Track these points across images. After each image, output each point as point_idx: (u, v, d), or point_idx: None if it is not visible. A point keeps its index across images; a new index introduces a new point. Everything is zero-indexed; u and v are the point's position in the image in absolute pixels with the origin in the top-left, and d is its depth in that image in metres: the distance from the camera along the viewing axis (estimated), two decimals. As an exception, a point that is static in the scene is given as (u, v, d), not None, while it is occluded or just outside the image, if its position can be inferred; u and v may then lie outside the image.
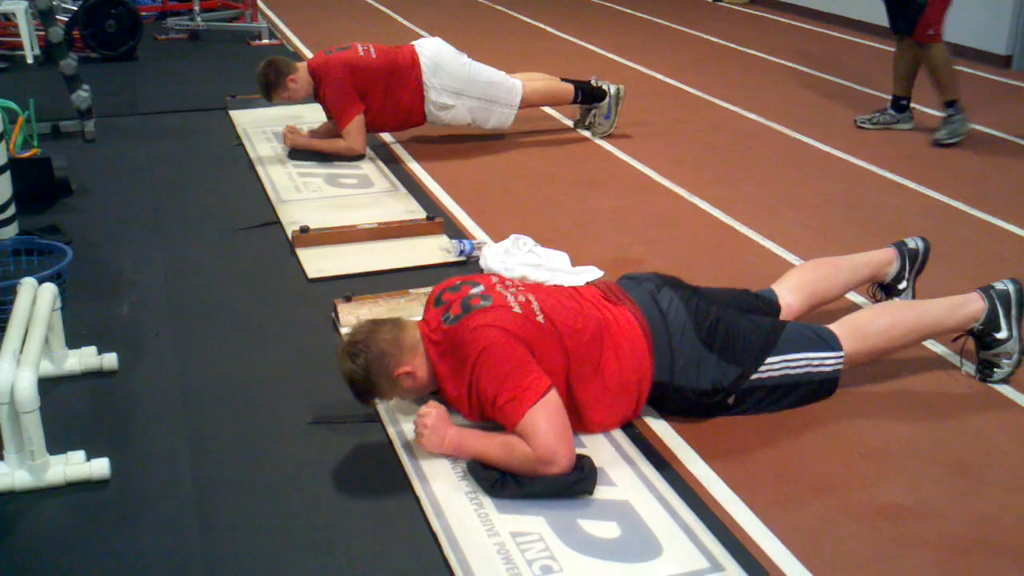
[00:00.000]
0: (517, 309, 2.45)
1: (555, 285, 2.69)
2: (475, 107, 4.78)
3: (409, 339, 2.47)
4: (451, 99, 4.72)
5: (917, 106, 5.28)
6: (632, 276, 2.78)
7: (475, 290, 2.52)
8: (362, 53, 4.63)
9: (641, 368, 2.53)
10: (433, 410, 2.44)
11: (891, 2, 5.04)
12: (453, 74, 4.70)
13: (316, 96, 4.66)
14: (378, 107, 4.63)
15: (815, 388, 2.68)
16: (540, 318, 2.45)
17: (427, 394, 2.57)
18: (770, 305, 2.83)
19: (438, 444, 2.42)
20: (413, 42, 4.81)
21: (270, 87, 4.57)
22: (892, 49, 5.23)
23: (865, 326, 2.73)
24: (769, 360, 2.59)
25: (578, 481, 2.31)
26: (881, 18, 7.51)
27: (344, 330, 3.04)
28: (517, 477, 2.32)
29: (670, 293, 2.65)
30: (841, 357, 2.66)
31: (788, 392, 2.65)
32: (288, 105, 4.91)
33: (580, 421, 2.50)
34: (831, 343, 2.66)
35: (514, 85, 4.83)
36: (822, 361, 2.65)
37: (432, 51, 4.72)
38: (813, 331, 2.69)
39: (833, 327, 2.71)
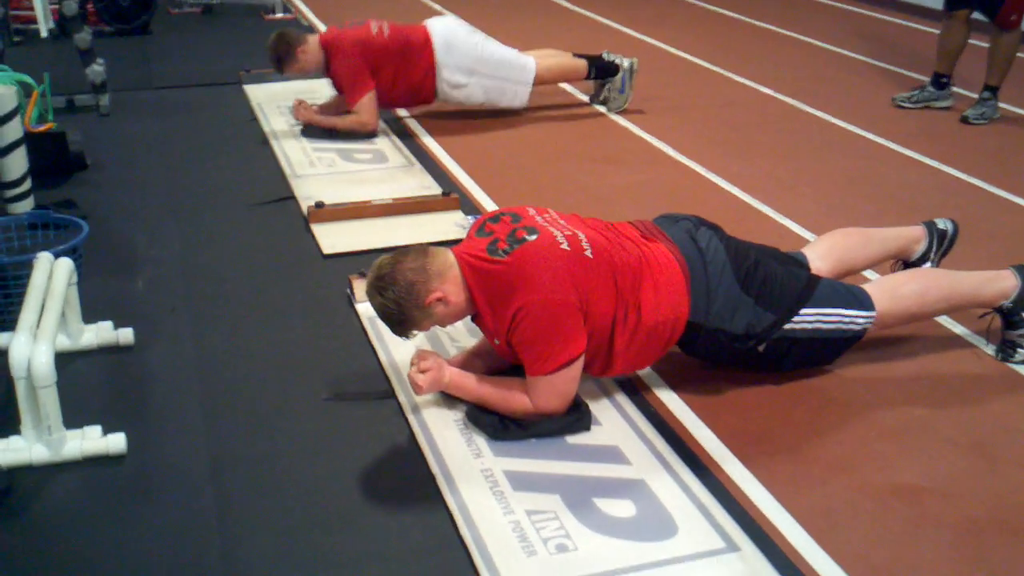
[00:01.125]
0: (565, 245, 2.43)
1: (593, 219, 2.67)
2: (488, 86, 4.76)
3: (437, 264, 2.42)
4: (464, 78, 4.69)
5: (958, 89, 5.21)
6: (669, 215, 2.77)
7: (517, 222, 2.50)
8: (375, 31, 4.60)
9: (678, 306, 2.51)
10: (429, 356, 2.48)
11: None
12: (466, 52, 4.67)
13: (326, 71, 4.64)
14: (389, 85, 4.61)
15: (842, 345, 2.69)
16: (589, 253, 2.44)
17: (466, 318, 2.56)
18: (801, 266, 2.81)
19: (434, 384, 2.47)
20: (426, 21, 4.78)
21: (280, 59, 4.54)
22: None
23: (899, 287, 2.74)
24: (804, 311, 2.59)
25: (577, 420, 2.47)
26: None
27: (360, 307, 3.03)
28: (517, 421, 2.44)
29: (709, 233, 2.65)
30: (872, 316, 2.65)
31: (817, 346, 2.65)
32: (302, 80, 4.88)
33: (609, 363, 2.52)
34: (864, 302, 2.65)
35: (527, 63, 4.80)
36: (853, 319, 2.64)
37: (445, 30, 4.69)
38: (847, 288, 2.69)
39: (867, 287, 2.71)
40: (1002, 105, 5.10)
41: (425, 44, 4.63)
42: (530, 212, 2.57)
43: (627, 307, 2.46)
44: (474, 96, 4.77)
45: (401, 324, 2.44)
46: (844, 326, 2.64)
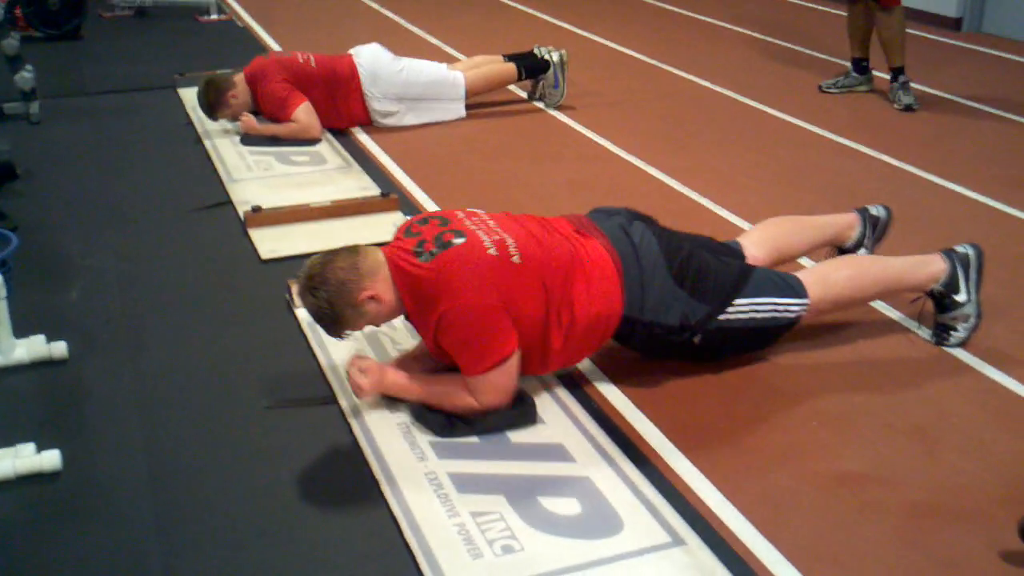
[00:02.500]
0: (492, 250, 2.42)
1: (524, 214, 2.66)
2: (420, 108, 4.76)
3: (368, 263, 2.42)
4: (393, 106, 4.71)
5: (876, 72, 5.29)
6: (603, 209, 2.77)
7: (445, 225, 2.49)
8: (301, 60, 4.61)
9: (611, 301, 2.52)
10: (364, 359, 2.47)
11: None
12: (391, 80, 4.67)
13: (255, 104, 4.59)
14: (322, 112, 4.58)
15: (776, 333, 2.71)
16: (516, 259, 2.43)
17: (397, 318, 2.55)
18: (735, 255, 2.83)
19: (377, 384, 2.45)
20: (351, 50, 4.76)
21: (211, 106, 4.54)
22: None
23: (830, 274, 2.76)
24: (738, 301, 2.60)
25: (522, 414, 2.47)
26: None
27: (299, 311, 3.00)
28: (464, 418, 2.44)
29: (642, 227, 2.65)
30: (806, 304, 2.67)
31: (752, 336, 2.67)
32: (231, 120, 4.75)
33: (545, 361, 2.52)
34: (797, 290, 2.67)
35: (455, 79, 4.80)
36: (787, 307, 2.66)
37: (369, 60, 4.68)
38: (781, 277, 2.71)
39: (800, 275, 2.73)
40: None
41: (352, 75, 4.63)
42: (459, 216, 2.56)
43: (559, 306, 2.46)
44: (406, 121, 4.76)
45: (334, 324, 2.43)
46: (778, 314, 2.66)
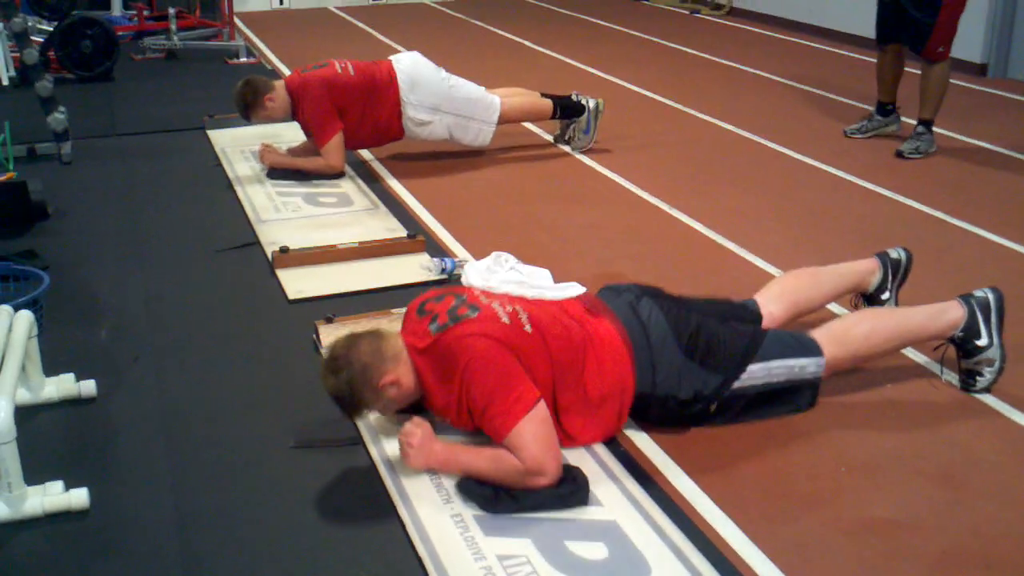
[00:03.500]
0: (505, 319, 2.44)
1: (538, 300, 2.68)
2: (453, 123, 4.77)
3: (391, 348, 2.45)
4: (428, 115, 4.70)
5: (906, 119, 5.29)
6: (612, 287, 2.78)
7: (459, 300, 2.51)
8: (339, 70, 4.61)
9: (623, 380, 2.52)
10: (418, 428, 2.42)
11: (889, 14, 4.95)
12: (431, 90, 4.68)
13: (294, 115, 4.63)
14: (356, 123, 4.61)
15: (797, 395, 2.69)
16: (528, 328, 2.45)
17: (413, 402, 2.54)
18: (752, 314, 2.82)
19: (425, 460, 2.41)
20: (390, 57, 4.79)
21: (248, 107, 4.53)
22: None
23: (846, 332, 2.74)
24: (751, 368, 2.59)
25: (572, 493, 2.34)
26: (858, 28, 7.61)
27: (326, 352, 3.01)
28: (511, 491, 2.32)
29: (650, 303, 2.65)
30: (822, 363, 2.66)
31: (770, 399, 2.65)
32: (267, 124, 4.87)
33: (564, 434, 2.50)
34: (812, 349, 2.66)
35: (493, 101, 4.82)
36: (803, 368, 2.65)
37: (409, 67, 4.70)
38: (794, 338, 2.70)
39: (814, 333, 2.72)
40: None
41: (390, 81, 4.64)
42: (475, 292, 2.58)
43: (565, 375, 2.46)
44: (437, 133, 4.78)
45: (353, 405, 2.44)
46: (795, 376, 2.65)
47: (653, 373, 2.54)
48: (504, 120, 4.86)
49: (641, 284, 2.77)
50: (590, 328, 2.55)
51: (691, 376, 2.56)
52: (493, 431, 2.34)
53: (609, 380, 2.51)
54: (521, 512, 2.30)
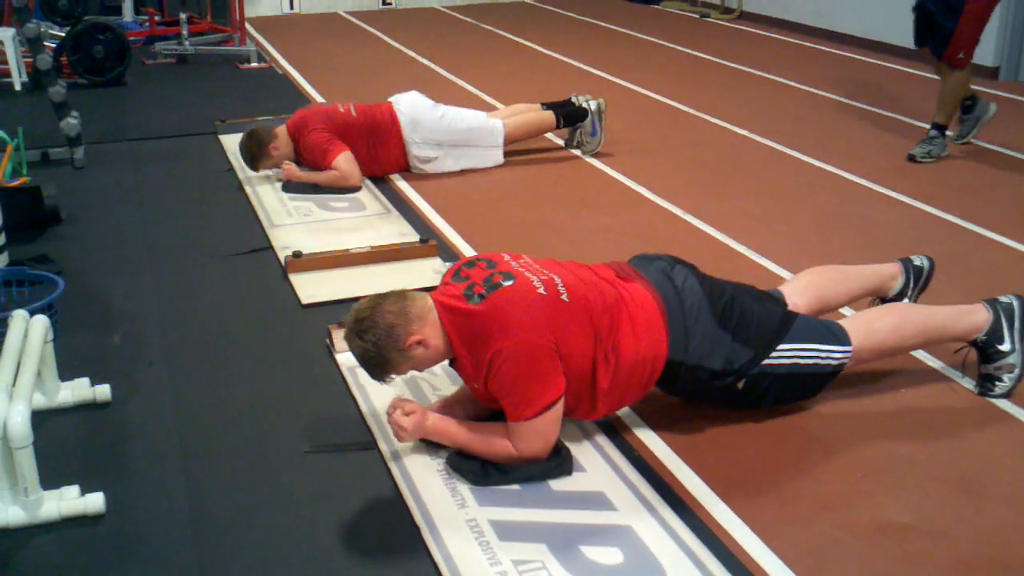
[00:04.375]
0: (541, 289, 2.43)
1: (570, 261, 2.68)
2: (458, 155, 4.81)
3: (417, 308, 2.43)
4: (433, 151, 4.75)
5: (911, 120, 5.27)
6: (644, 256, 2.78)
7: (493, 268, 2.50)
8: (342, 110, 4.68)
9: (656, 344, 2.52)
10: (407, 418, 2.45)
11: (920, 21, 4.94)
12: (432, 127, 4.73)
13: (297, 154, 4.65)
14: (363, 160, 4.65)
15: (820, 380, 2.69)
16: (565, 296, 2.45)
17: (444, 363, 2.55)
18: (777, 302, 2.82)
19: (416, 428, 2.46)
20: (390, 98, 4.83)
21: (254, 159, 4.62)
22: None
23: (874, 322, 2.76)
24: (781, 347, 2.60)
25: (558, 465, 2.45)
26: (868, 32, 7.60)
27: (339, 356, 3.02)
28: (499, 466, 2.43)
29: (684, 271, 2.67)
30: (849, 352, 2.66)
31: (795, 382, 2.65)
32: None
33: (594, 404, 2.52)
34: (841, 337, 2.67)
35: (495, 126, 4.85)
36: (830, 354, 2.65)
37: (409, 107, 4.74)
38: (824, 325, 2.71)
39: (842, 322, 2.73)
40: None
41: (392, 122, 4.70)
42: (505, 258, 2.57)
43: (606, 348, 2.47)
44: (445, 166, 4.82)
45: (380, 367, 2.44)
46: (821, 361, 2.65)
47: (686, 339, 2.54)
48: (510, 140, 4.91)
49: (673, 255, 2.77)
50: (623, 291, 2.55)
51: (723, 346, 2.56)
52: (507, 412, 2.41)
53: (643, 343, 2.50)
54: (509, 483, 2.39)
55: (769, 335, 2.60)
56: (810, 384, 2.70)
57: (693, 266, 2.76)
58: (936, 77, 5.09)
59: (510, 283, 2.43)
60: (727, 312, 2.59)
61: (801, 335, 2.63)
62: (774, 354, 2.60)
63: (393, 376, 2.49)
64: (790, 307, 2.80)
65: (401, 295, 2.46)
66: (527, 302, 2.40)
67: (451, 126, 4.76)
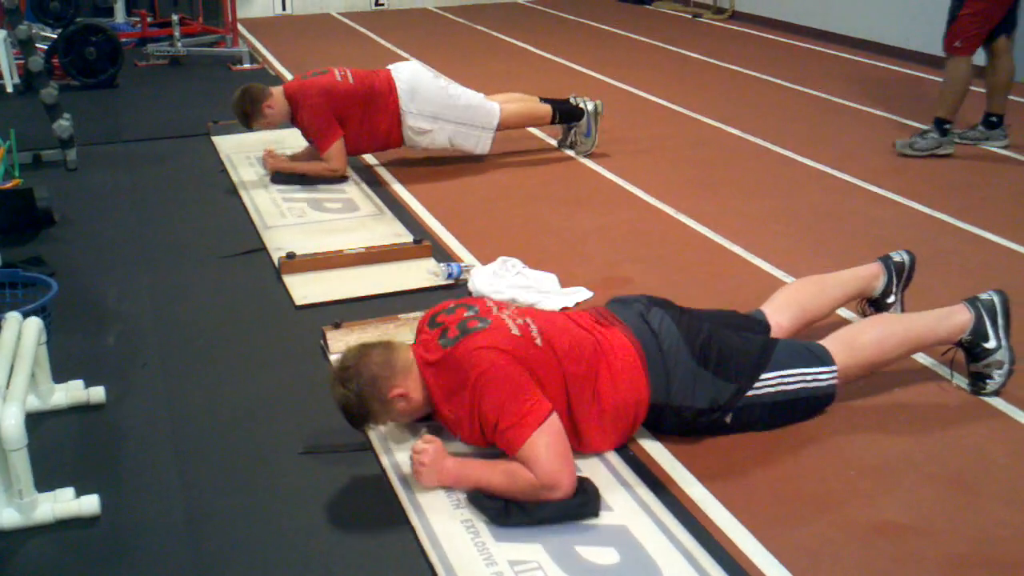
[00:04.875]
0: (515, 331, 2.43)
1: (547, 309, 2.69)
2: (452, 131, 4.78)
3: (401, 360, 2.45)
4: (428, 124, 4.72)
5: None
6: (621, 299, 2.77)
7: (471, 312, 2.51)
8: (339, 78, 4.62)
9: (637, 389, 2.51)
10: (429, 445, 2.39)
11: None
12: (430, 99, 4.70)
13: (293, 121, 4.64)
14: (356, 131, 4.63)
15: (811, 404, 2.68)
16: (538, 341, 2.44)
17: (422, 416, 2.54)
18: (760, 325, 2.82)
19: (437, 478, 2.39)
20: (389, 66, 4.80)
21: (247, 115, 4.57)
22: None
23: (855, 339, 2.74)
24: (764, 376, 2.59)
25: (583, 504, 2.32)
26: (860, 32, 7.61)
27: (333, 357, 3.01)
28: (521, 504, 2.30)
29: (660, 313, 2.64)
30: (835, 371, 2.66)
31: (784, 409, 2.64)
32: (270, 131, 4.88)
33: (579, 443, 2.49)
34: (824, 358, 2.66)
35: (492, 108, 4.83)
36: (816, 376, 2.65)
37: (409, 75, 4.71)
38: (805, 347, 2.70)
39: (824, 342, 2.72)
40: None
41: (390, 90, 4.65)
42: (488, 304, 2.58)
43: (580, 387, 2.45)
44: (438, 141, 4.79)
45: (360, 417, 2.44)
46: (808, 384, 2.64)
47: (667, 382, 2.53)
48: (504, 126, 4.88)
49: (649, 295, 2.77)
50: (601, 338, 2.54)
51: (705, 385, 2.55)
52: (506, 444, 2.33)
53: (623, 390, 2.50)
54: (531, 525, 2.27)
55: (750, 367, 2.59)
56: (800, 408, 2.67)
57: (669, 303, 2.73)
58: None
59: (484, 326, 2.44)
60: (705, 350, 2.57)
61: (783, 361, 2.62)
62: (757, 384, 2.59)
63: (372, 426, 2.50)
64: (773, 327, 2.81)
65: (387, 346, 2.47)
66: (499, 340, 2.40)
67: (450, 100, 4.73)
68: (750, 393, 2.58)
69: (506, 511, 2.30)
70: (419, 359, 2.47)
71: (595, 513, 2.32)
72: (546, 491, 2.28)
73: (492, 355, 2.36)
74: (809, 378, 2.64)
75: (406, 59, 5.81)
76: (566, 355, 2.46)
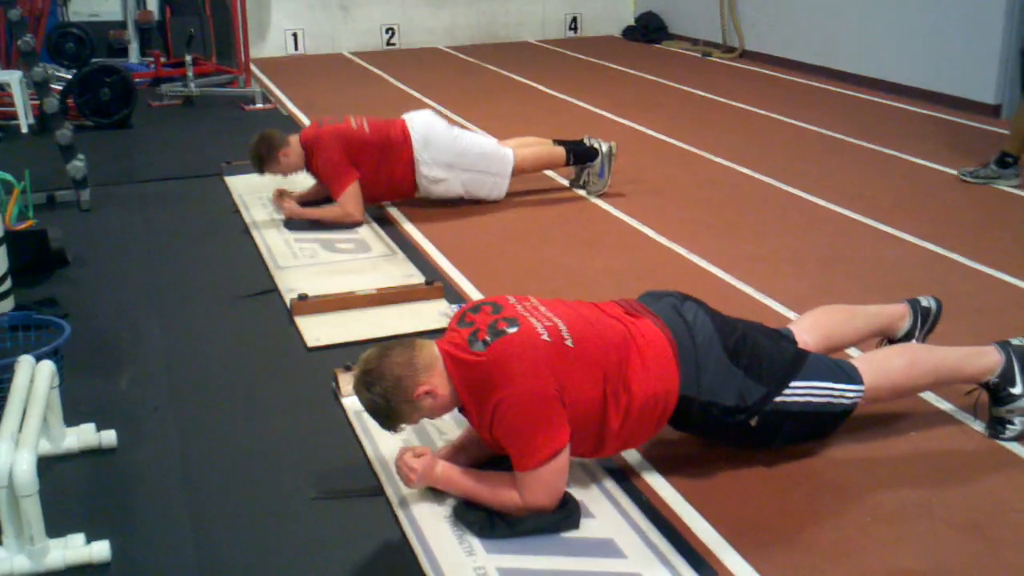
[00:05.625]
0: (545, 336, 2.42)
1: (576, 300, 2.68)
2: (467, 179, 4.81)
3: (424, 358, 2.42)
4: (443, 172, 4.75)
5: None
6: (653, 293, 2.78)
7: (497, 313, 2.49)
8: (355, 126, 4.67)
9: (668, 379, 2.50)
10: (417, 461, 2.46)
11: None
12: (444, 148, 4.73)
13: (308, 168, 4.68)
14: (370, 179, 4.66)
15: (834, 420, 2.68)
16: (570, 342, 2.43)
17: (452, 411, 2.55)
18: (788, 340, 2.81)
19: (424, 476, 2.46)
20: (403, 116, 4.84)
21: (262, 161, 4.60)
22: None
23: (886, 362, 2.74)
24: (794, 384, 2.58)
25: (564, 518, 2.42)
26: (870, 70, 7.63)
27: (346, 400, 3.01)
28: (505, 517, 2.40)
29: (694, 307, 2.66)
30: (862, 391, 2.65)
31: (809, 421, 2.63)
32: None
33: (601, 443, 2.51)
34: (853, 376, 2.66)
35: (506, 154, 4.86)
36: (843, 393, 2.64)
37: (422, 125, 4.75)
38: (836, 363, 2.70)
39: (854, 361, 2.71)
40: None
41: (404, 140, 4.70)
42: (511, 301, 2.57)
43: (616, 387, 2.46)
44: (453, 190, 4.83)
45: (389, 418, 2.43)
46: (834, 399, 2.64)
47: (698, 374, 2.52)
48: (518, 171, 4.91)
49: (682, 292, 2.77)
50: (631, 327, 2.54)
51: (735, 382, 2.54)
52: (513, 460, 2.40)
53: (654, 378, 2.48)
54: (515, 536, 2.36)
55: (781, 372, 2.59)
56: (823, 423, 2.68)
57: (703, 302, 2.75)
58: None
59: (515, 330, 2.43)
60: (739, 348, 2.58)
61: (813, 373, 2.62)
62: (787, 391, 2.58)
63: (403, 426, 2.48)
64: (799, 343, 2.80)
65: (408, 345, 2.45)
66: (531, 350, 2.39)
67: (464, 149, 4.76)
68: (778, 399, 2.56)
69: (490, 524, 2.39)
70: (446, 356, 2.44)
71: (575, 526, 2.41)
72: (528, 512, 2.40)
73: (527, 384, 2.35)
74: (836, 394, 2.63)
75: (418, 99, 5.85)
76: (598, 350, 2.46)
